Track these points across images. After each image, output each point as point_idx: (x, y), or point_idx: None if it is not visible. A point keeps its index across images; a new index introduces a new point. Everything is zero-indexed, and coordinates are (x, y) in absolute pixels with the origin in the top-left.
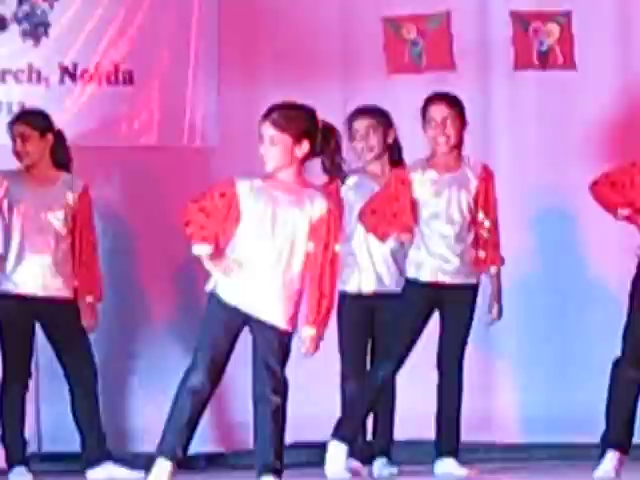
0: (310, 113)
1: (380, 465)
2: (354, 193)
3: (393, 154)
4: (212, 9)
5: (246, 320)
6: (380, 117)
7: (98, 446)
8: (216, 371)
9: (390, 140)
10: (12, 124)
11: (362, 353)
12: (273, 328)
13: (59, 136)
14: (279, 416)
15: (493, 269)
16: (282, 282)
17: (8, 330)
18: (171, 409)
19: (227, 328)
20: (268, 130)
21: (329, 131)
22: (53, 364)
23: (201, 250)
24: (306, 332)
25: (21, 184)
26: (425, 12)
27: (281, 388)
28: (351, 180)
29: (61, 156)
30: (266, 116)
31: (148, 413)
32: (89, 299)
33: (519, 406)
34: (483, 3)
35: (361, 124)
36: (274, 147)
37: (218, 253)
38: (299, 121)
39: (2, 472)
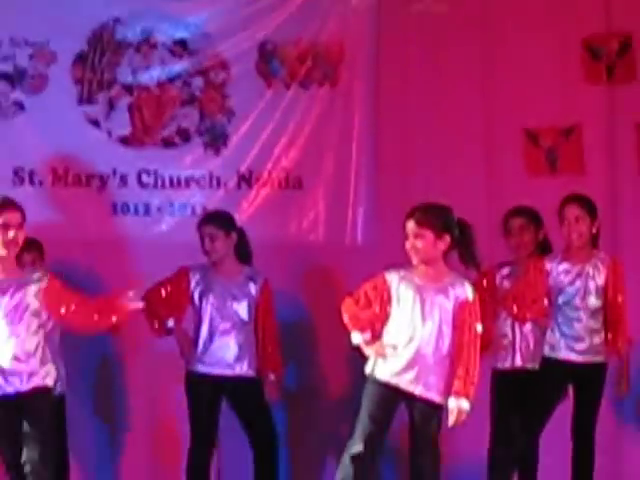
0: (447, 211)
1: None
2: (509, 282)
3: (544, 250)
4: (371, 122)
5: (404, 398)
6: (532, 216)
7: None
8: (373, 443)
9: (540, 237)
10: (200, 225)
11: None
12: (429, 403)
13: (241, 234)
14: (435, 476)
15: (621, 350)
16: (434, 361)
17: (198, 404)
18: (338, 474)
19: (385, 406)
20: (412, 227)
21: (465, 227)
22: (235, 434)
23: (356, 338)
24: (452, 404)
25: (209, 277)
26: (560, 123)
27: (437, 453)
28: (505, 270)
29: (243, 252)
30: (410, 215)
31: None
32: (272, 377)
33: None
34: (611, 117)
35: (516, 222)
36: (418, 241)
37: (374, 339)
38: (439, 218)
39: None
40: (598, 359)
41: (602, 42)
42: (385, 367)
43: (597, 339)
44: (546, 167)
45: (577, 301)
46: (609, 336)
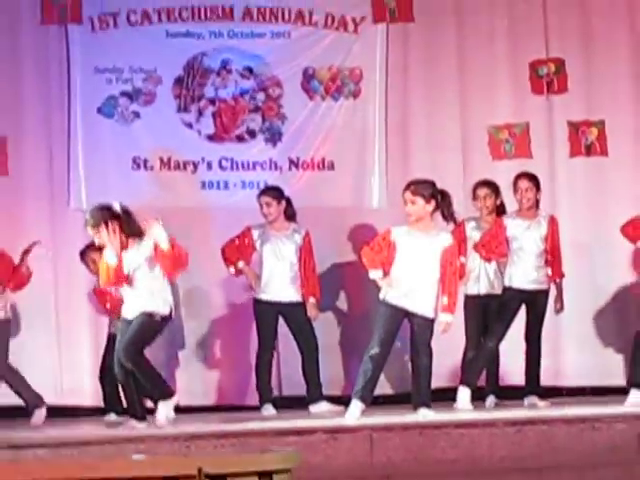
0: (432, 183)
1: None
2: (475, 232)
3: (500, 211)
4: (381, 123)
5: (406, 315)
6: (493, 187)
7: (317, 390)
8: (385, 346)
9: (498, 202)
10: (259, 196)
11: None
12: (425, 318)
13: (288, 201)
14: (429, 370)
15: (557, 280)
16: (426, 288)
17: (262, 321)
18: (360, 369)
19: (394, 321)
20: (408, 196)
21: (445, 194)
22: (288, 341)
23: (372, 274)
24: (443, 317)
25: (267, 232)
26: (514, 122)
27: (430, 353)
28: (472, 224)
29: (290, 214)
30: (406, 187)
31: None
32: (312, 300)
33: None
34: (550, 116)
35: (481, 191)
36: (413, 206)
37: (385, 274)
38: (426, 189)
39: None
40: (542, 287)
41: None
42: (393, 293)
43: (541, 273)
44: (504, 153)
45: (527, 246)
46: (549, 271)
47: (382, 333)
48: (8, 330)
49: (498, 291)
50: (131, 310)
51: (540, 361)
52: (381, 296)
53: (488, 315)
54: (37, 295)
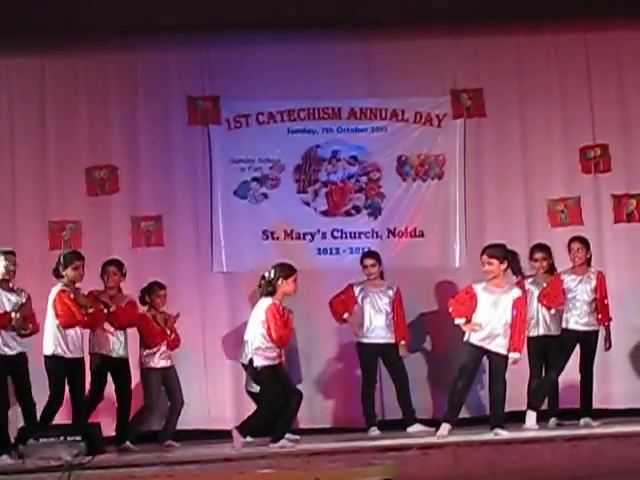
0: (504, 247)
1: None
2: (532, 286)
3: (551, 270)
4: (461, 199)
5: (485, 353)
6: (547, 251)
7: (411, 414)
8: (469, 380)
9: (552, 262)
10: (364, 258)
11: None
12: (500, 355)
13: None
14: (503, 397)
15: (606, 323)
16: (503, 332)
17: (365, 360)
18: (449, 398)
19: (476, 358)
20: (485, 258)
21: (515, 254)
22: (385, 375)
23: (458, 321)
24: (514, 355)
25: (366, 288)
26: (568, 195)
27: (504, 384)
28: (530, 280)
29: (381, 273)
30: (483, 252)
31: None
32: (402, 342)
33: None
34: (597, 191)
35: (538, 254)
36: (490, 267)
37: (467, 321)
38: (500, 252)
39: (359, 429)
40: (593, 328)
41: (591, 149)
42: (474, 336)
43: (592, 317)
44: (560, 221)
45: (579, 296)
46: (599, 315)
47: (466, 368)
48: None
49: (554, 332)
50: None
51: (592, 388)
52: (465, 338)
53: (548, 352)
54: (190, 341)
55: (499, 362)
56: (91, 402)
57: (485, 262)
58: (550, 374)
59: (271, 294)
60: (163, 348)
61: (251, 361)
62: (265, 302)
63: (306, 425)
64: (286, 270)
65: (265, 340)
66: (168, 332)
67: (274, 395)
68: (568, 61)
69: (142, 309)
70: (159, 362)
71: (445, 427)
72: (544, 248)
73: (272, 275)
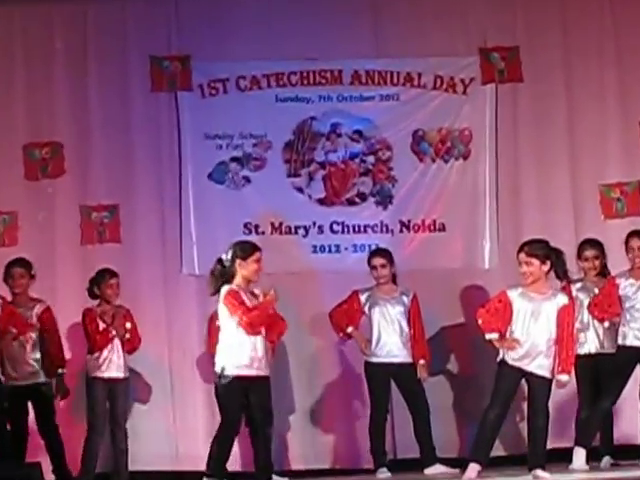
0: (546, 243)
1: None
2: (581, 293)
3: (604, 272)
4: (492, 183)
5: (524, 375)
6: (600, 248)
7: (430, 452)
8: (504, 407)
9: (605, 263)
10: (372, 257)
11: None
12: (542, 378)
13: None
14: (545, 431)
15: None
16: (544, 349)
17: (375, 384)
18: (479, 432)
19: (512, 382)
20: (523, 257)
21: (559, 253)
22: (400, 403)
23: (490, 336)
24: (562, 378)
25: (375, 295)
26: (626, 180)
27: (547, 414)
28: (578, 284)
29: (394, 275)
30: (521, 249)
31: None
32: (422, 362)
33: None
34: None
35: (589, 253)
36: (529, 267)
37: (501, 337)
38: (541, 249)
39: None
40: None
41: None
42: (511, 354)
43: None
44: (616, 212)
45: (639, 305)
46: None
47: (500, 394)
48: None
49: (609, 350)
50: None
51: None
52: (499, 358)
53: (601, 374)
54: (153, 358)
55: (541, 387)
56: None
57: (522, 262)
58: (603, 402)
59: (228, 282)
60: (105, 353)
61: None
62: (222, 292)
63: (299, 466)
64: (246, 249)
65: (227, 338)
66: (113, 332)
67: (233, 416)
68: (627, 12)
69: (92, 303)
70: (105, 371)
71: (473, 468)
72: (596, 244)
73: (229, 257)
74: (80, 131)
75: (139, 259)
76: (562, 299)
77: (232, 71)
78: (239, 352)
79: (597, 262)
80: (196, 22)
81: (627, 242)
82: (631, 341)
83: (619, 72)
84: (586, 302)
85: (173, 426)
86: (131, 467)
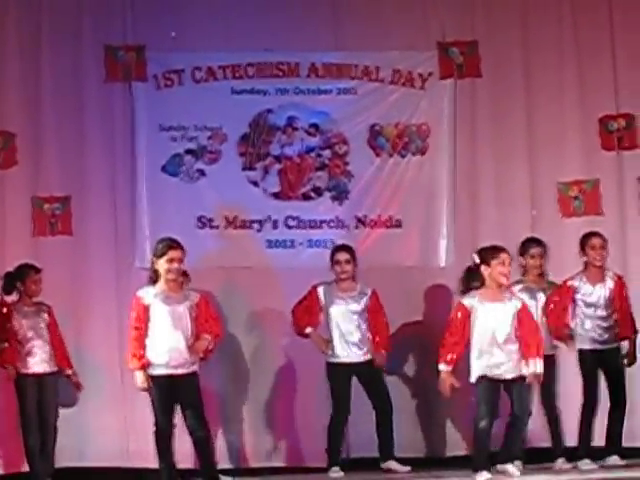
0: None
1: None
2: (524, 294)
3: (544, 272)
4: (449, 180)
5: (503, 382)
6: (544, 247)
7: (389, 449)
8: (491, 417)
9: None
10: (336, 252)
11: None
12: (520, 378)
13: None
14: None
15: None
16: (509, 352)
17: (337, 385)
18: (475, 443)
19: (493, 392)
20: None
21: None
22: (354, 402)
23: (442, 367)
24: (530, 370)
25: (332, 291)
26: (584, 178)
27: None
28: (519, 286)
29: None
30: (505, 251)
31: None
32: (383, 352)
33: None
34: (620, 173)
35: (536, 250)
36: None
37: (457, 360)
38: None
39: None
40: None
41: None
42: (479, 364)
43: (612, 332)
44: (574, 210)
45: (595, 305)
46: (620, 330)
47: (485, 406)
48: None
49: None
50: None
51: (625, 404)
52: (473, 378)
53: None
54: (104, 352)
55: (521, 389)
56: None
57: (508, 263)
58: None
59: (155, 281)
60: (35, 348)
61: None
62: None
63: (253, 463)
64: (159, 248)
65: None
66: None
67: (159, 417)
68: (586, 11)
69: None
70: (34, 366)
71: (483, 475)
72: (541, 243)
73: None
74: (33, 121)
75: (91, 252)
76: (516, 302)
77: (188, 62)
78: (160, 349)
79: (542, 261)
80: (152, 12)
81: (585, 242)
82: (591, 344)
83: (578, 69)
84: (531, 303)
85: (124, 423)
86: (81, 463)
